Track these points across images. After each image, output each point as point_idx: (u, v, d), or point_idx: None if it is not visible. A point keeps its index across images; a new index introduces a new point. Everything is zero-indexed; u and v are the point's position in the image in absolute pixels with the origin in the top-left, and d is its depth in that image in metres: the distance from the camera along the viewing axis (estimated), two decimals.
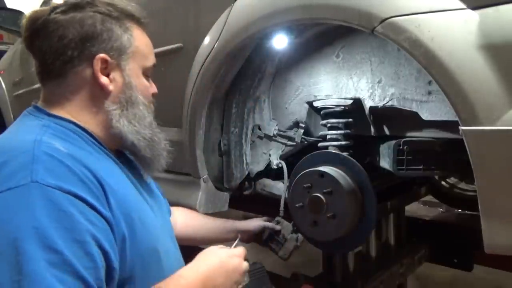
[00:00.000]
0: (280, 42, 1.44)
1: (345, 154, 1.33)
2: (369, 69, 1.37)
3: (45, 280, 0.65)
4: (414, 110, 1.26)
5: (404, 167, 1.30)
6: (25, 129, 0.84)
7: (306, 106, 1.52)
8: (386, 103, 1.33)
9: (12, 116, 3.19)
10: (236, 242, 1.10)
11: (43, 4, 2.77)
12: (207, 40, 1.49)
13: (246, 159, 1.63)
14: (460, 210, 2.44)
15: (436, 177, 2.27)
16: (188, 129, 1.59)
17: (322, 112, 1.40)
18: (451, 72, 0.92)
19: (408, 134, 1.35)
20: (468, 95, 0.90)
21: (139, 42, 0.94)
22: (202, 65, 1.49)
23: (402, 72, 1.29)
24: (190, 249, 1.11)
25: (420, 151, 1.30)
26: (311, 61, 1.50)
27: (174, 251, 1.02)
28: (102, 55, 0.88)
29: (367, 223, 1.26)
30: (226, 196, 1.67)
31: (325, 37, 1.43)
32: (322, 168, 1.26)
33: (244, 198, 1.73)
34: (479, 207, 0.94)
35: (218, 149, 1.65)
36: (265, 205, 1.83)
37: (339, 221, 1.22)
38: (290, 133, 1.58)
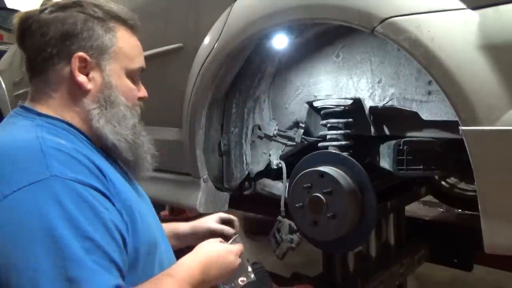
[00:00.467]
0: (280, 42, 1.44)
1: (345, 154, 1.33)
2: (369, 69, 1.37)
3: (87, 264, 0.69)
4: (414, 110, 1.26)
5: (404, 167, 1.30)
6: (20, 129, 0.85)
7: (306, 106, 1.52)
8: (386, 103, 1.33)
9: None
10: (233, 238, 1.11)
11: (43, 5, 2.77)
12: (207, 40, 1.49)
13: (246, 159, 1.63)
14: (460, 210, 2.44)
15: (436, 177, 2.27)
16: (188, 129, 1.59)
17: (322, 112, 1.40)
18: (451, 72, 0.92)
19: (408, 134, 1.35)
20: (468, 95, 0.90)
21: (123, 43, 0.94)
22: (202, 65, 1.49)
23: (402, 72, 1.29)
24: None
25: (420, 151, 1.30)
26: (311, 61, 1.50)
27: (167, 246, 1.04)
28: (80, 53, 0.88)
29: (367, 223, 1.26)
30: (226, 196, 1.68)
31: (325, 37, 1.43)
32: (322, 168, 1.26)
33: (244, 198, 1.73)
34: (479, 207, 0.94)
35: (218, 149, 1.65)
36: (265, 205, 1.83)
37: (339, 221, 1.22)
38: (290, 133, 1.58)
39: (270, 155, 1.64)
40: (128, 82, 0.96)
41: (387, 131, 1.41)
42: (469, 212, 2.35)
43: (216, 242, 1.01)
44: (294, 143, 1.58)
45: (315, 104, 1.42)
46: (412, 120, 1.30)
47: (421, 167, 1.30)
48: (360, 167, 1.27)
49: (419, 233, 2.05)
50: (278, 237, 1.45)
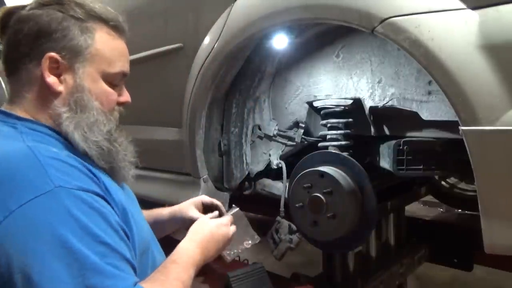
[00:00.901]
0: (280, 42, 1.44)
1: (345, 154, 1.33)
2: (369, 69, 1.37)
3: (105, 269, 0.71)
4: (414, 110, 1.26)
5: (404, 167, 1.30)
6: (5, 140, 0.80)
7: (306, 106, 1.52)
8: (386, 103, 1.33)
9: None
10: (231, 211, 1.16)
11: None
12: (207, 40, 1.49)
13: (246, 159, 1.63)
14: (460, 210, 2.44)
15: (436, 177, 2.27)
16: (188, 129, 1.59)
17: (322, 112, 1.40)
18: (451, 72, 0.92)
19: (408, 134, 1.35)
20: (468, 95, 0.90)
21: (101, 46, 0.88)
22: (202, 65, 1.49)
23: (402, 72, 1.29)
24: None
25: (420, 151, 1.30)
26: (311, 61, 1.50)
27: (156, 245, 1.04)
28: (52, 53, 0.84)
29: (367, 223, 1.26)
30: (226, 196, 1.67)
31: (325, 37, 1.43)
32: (322, 168, 1.26)
33: (244, 198, 1.73)
34: (479, 207, 0.94)
35: (218, 149, 1.65)
36: (265, 205, 1.83)
37: (339, 221, 1.22)
38: (290, 133, 1.58)
39: (270, 155, 1.64)
40: (105, 86, 0.90)
41: (387, 131, 1.41)
42: (469, 212, 2.36)
43: (205, 221, 1.06)
44: (294, 143, 1.58)
45: (315, 104, 1.42)
46: (412, 120, 1.30)
47: (421, 167, 1.30)
48: (360, 167, 1.27)
49: (419, 233, 2.05)
50: (276, 238, 1.45)
